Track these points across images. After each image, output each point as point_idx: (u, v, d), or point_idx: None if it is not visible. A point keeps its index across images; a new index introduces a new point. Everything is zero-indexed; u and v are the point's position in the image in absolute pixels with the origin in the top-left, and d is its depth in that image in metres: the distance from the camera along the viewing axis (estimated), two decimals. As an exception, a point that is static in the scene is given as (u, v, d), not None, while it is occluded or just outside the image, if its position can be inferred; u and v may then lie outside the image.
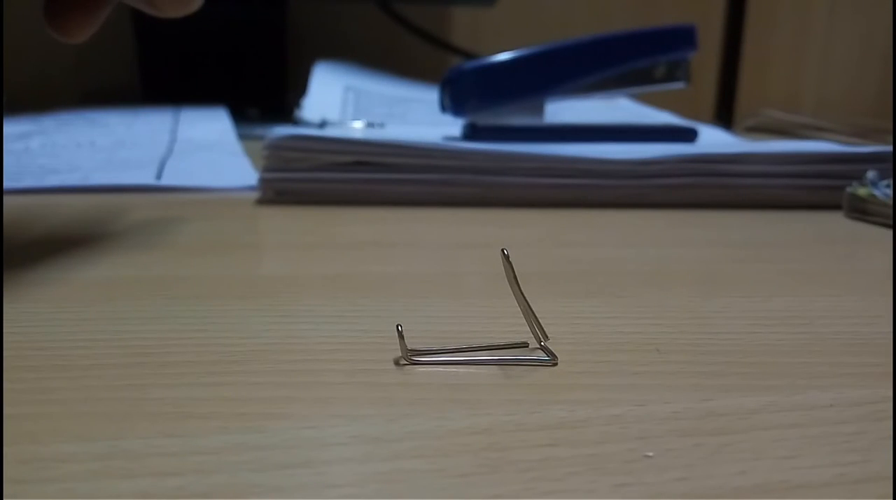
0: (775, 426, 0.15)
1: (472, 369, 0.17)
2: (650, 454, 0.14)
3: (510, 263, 0.18)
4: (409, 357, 0.17)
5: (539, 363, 0.18)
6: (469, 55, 0.70)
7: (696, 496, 0.12)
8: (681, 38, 0.47)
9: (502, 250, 0.18)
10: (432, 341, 0.18)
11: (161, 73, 0.71)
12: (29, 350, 0.18)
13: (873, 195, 0.35)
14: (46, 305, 0.21)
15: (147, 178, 0.39)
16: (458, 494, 0.12)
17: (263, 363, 0.17)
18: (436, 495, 0.12)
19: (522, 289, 0.18)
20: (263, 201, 0.36)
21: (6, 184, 0.37)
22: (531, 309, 0.18)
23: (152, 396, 0.15)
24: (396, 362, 0.17)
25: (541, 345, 0.18)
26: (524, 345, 0.18)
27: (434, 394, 0.16)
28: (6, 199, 0.35)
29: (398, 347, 0.17)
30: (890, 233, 0.33)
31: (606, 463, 0.13)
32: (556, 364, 0.17)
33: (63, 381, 0.16)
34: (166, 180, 0.39)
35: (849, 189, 0.37)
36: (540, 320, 0.18)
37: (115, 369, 0.17)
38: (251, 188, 0.38)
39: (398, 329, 0.17)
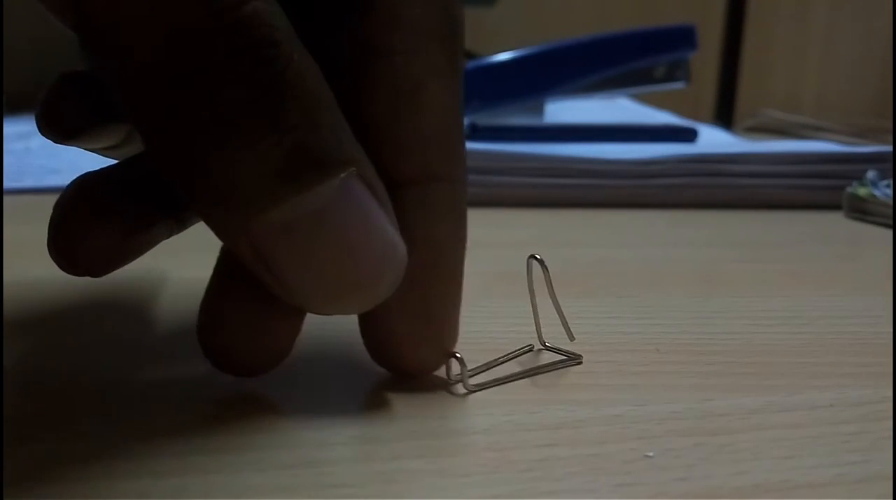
0: (775, 426, 0.15)
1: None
2: (650, 454, 0.14)
3: (546, 267, 0.18)
4: (470, 387, 0.16)
5: (567, 365, 0.18)
6: (469, 55, 0.70)
7: (696, 496, 0.12)
8: (681, 38, 0.47)
9: (533, 256, 0.18)
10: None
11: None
12: (28, 350, 0.18)
13: (873, 195, 0.35)
14: (46, 304, 0.21)
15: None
16: (458, 494, 0.12)
17: (263, 363, 0.17)
18: (436, 495, 0.12)
19: (534, 289, 0.18)
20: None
21: (6, 184, 0.37)
22: (560, 311, 0.18)
23: (152, 395, 0.15)
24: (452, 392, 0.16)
25: (559, 349, 0.18)
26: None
27: (433, 394, 0.16)
28: (6, 199, 0.35)
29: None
30: (890, 233, 0.33)
31: (606, 463, 0.13)
32: (580, 363, 0.18)
33: (62, 381, 0.16)
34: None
35: (849, 189, 0.37)
36: (540, 320, 0.18)
37: (114, 368, 0.17)
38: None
39: (456, 357, 0.16)
